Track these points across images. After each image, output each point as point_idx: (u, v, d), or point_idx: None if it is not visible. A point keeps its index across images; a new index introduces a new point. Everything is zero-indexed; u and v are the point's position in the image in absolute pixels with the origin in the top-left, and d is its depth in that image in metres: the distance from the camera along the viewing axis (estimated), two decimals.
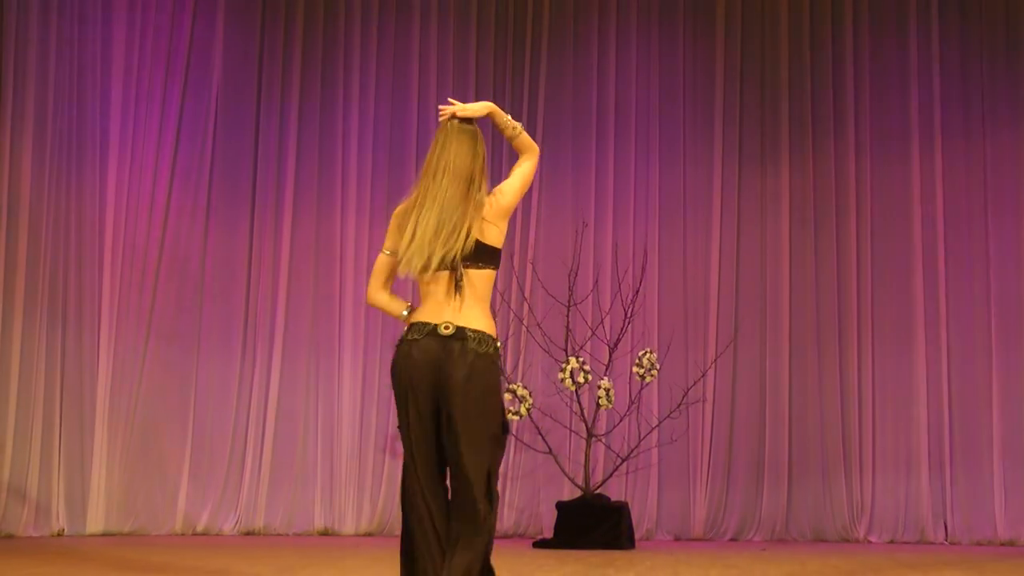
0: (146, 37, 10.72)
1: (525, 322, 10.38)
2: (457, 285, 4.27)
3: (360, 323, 10.91)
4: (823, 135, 10.98)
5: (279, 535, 10.41)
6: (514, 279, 10.58)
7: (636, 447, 9.99)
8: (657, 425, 10.26)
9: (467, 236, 4.28)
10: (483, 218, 4.33)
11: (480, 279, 4.31)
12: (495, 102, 10.64)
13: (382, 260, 4.46)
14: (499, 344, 4.35)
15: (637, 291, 10.26)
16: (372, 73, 11.19)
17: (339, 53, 11.19)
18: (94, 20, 10.41)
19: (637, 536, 9.77)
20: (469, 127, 4.42)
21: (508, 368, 10.43)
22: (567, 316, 9.85)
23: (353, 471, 10.68)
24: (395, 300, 4.46)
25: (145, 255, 10.54)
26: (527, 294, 10.52)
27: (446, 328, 4.25)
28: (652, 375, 9.70)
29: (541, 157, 10.55)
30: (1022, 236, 10.57)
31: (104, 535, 9.97)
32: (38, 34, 9.87)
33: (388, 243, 4.43)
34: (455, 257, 4.25)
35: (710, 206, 10.95)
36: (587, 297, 10.39)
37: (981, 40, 10.80)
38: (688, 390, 10.07)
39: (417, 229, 4.25)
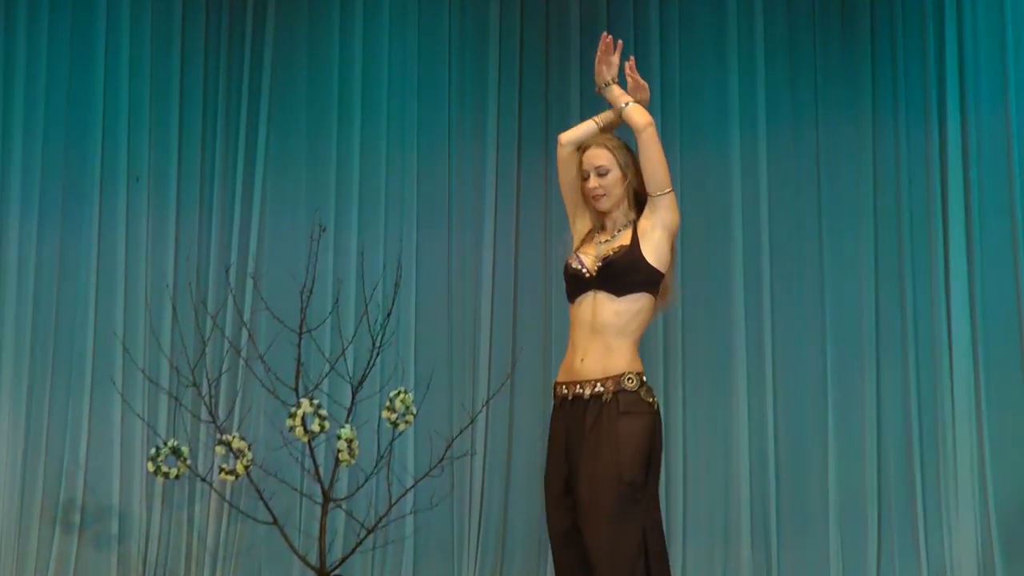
0: None
1: (244, 354, 9.01)
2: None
3: (24, 354, 9.22)
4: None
5: None
6: (230, 297, 9.17)
7: (386, 514, 8.81)
8: (413, 486, 9.04)
9: None
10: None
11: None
12: (207, 76, 9.92)
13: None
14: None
15: (389, 313, 9.01)
16: (43, 33, 9.43)
17: None
18: None
19: None
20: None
21: (222, 414, 8.92)
22: (298, 346, 8.54)
23: (10, 551, 9.09)
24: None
25: None
26: (246, 318, 9.20)
27: None
28: (407, 422, 8.55)
29: (268, 140, 9.60)
30: (862, 238, 9.52)
31: None
32: None
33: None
34: None
35: (481, 203, 9.71)
36: (324, 321, 9.12)
37: (812, 6, 9.80)
38: (453, 440, 8.81)
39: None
